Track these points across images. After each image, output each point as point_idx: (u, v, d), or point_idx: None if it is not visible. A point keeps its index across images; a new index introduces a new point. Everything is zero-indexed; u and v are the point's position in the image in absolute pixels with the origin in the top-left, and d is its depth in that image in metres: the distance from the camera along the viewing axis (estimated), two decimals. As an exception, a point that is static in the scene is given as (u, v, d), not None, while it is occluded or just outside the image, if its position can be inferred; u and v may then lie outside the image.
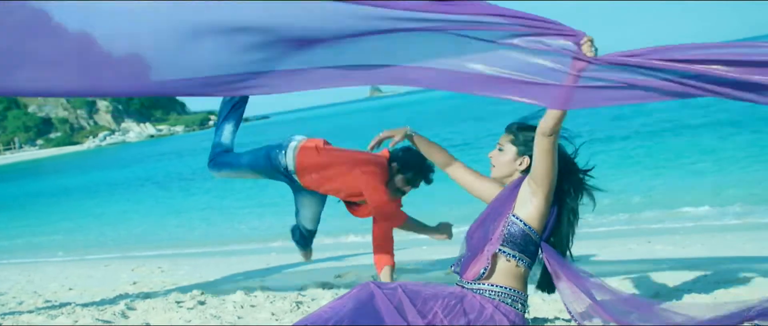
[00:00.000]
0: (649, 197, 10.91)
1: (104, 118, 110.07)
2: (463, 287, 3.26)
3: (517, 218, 3.19)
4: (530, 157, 3.29)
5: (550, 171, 3.09)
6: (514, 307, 3.17)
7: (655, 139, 18.42)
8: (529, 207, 3.17)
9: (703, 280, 4.81)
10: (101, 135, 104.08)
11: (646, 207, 10.03)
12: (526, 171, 3.30)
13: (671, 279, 4.98)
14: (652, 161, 14.73)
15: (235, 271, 7.34)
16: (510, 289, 3.19)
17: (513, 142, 3.34)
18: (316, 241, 5.83)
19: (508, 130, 3.38)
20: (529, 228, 3.19)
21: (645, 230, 8.42)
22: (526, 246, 3.19)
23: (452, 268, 3.38)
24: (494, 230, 3.20)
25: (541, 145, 3.06)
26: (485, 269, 3.17)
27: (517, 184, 3.25)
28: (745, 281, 4.61)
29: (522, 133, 3.33)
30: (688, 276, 5.02)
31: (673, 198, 10.60)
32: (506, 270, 3.19)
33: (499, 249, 3.18)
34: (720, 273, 4.97)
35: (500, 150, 3.35)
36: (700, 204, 9.72)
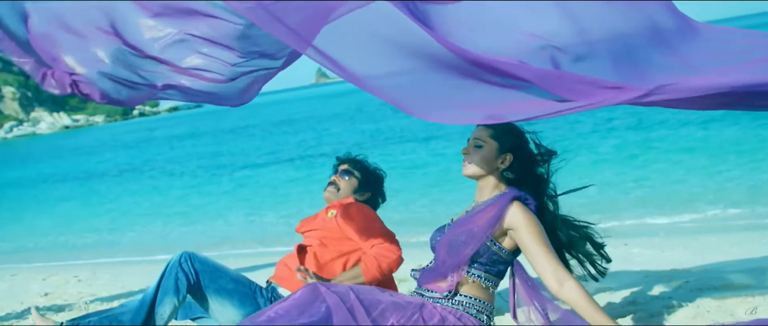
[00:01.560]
0: (625, 196, 11.06)
1: (10, 106, 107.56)
2: (422, 295, 3.27)
3: (494, 243, 3.20)
4: (513, 153, 3.28)
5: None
6: (479, 319, 3.18)
7: (631, 133, 18.71)
8: (510, 241, 3.22)
9: (685, 287, 4.89)
10: (7, 126, 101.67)
11: (623, 207, 10.17)
12: (508, 169, 3.28)
13: (650, 285, 5.05)
14: (629, 157, 14.93)
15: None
16: (475, 299, 3.20)
17: (493, 137, 3.29)
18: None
19: (485, 124, 3.31)
20: (503, 249, 3.22)
21: (621, 231, 8.52)
22: (493, 265, 3.23)
23: (412, 274, 3.39)
24: (465, 253, 3.17)
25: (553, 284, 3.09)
26: (449, 291, 3.20)
27: (501, 211, 3.16)
28: (731, 288, 4.69)
29: (503, 127, 3.30)
30: (669, 282, 5.09)
31: (652, 197, 10.76)
32: (471, 283, 3.22)
33: (467, 270, 3.21)
34: (703, 280, 5.05)
35: (478, 146, 3.30)
36: (680, 205, 9.87)
